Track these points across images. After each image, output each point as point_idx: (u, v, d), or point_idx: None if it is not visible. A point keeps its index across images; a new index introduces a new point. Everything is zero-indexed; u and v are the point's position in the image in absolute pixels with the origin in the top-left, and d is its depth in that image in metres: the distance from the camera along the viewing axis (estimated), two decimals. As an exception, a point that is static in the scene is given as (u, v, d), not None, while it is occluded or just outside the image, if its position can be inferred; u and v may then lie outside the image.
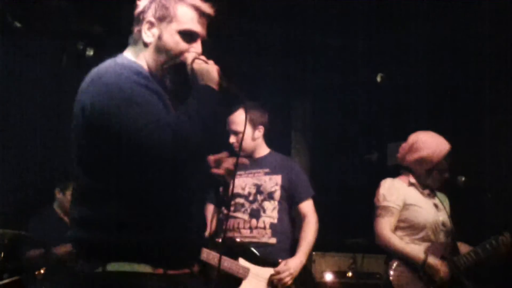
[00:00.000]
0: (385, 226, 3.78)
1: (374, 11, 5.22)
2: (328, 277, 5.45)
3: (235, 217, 3.90)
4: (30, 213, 5.07)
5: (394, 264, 3.75)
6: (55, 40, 5.44)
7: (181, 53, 2.27)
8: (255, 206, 3.92)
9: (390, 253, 3.79)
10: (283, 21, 5.59)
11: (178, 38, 2.26)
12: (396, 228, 3.82)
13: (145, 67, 2.28)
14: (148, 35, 2.27)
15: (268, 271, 3.79)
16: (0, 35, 5.22)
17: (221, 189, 3.54)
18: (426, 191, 3.90)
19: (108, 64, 2.22)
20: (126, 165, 2.10)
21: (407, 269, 3.72)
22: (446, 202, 4.06)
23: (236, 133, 3.90)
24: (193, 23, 2.28)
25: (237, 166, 2.45)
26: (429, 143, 3.84)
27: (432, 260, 3.67)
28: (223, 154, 2.50)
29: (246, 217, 3.90)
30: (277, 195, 3.95)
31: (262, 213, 3.91)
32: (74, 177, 2.23)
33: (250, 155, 3.94)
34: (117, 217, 2.11)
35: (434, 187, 3.93)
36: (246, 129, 3.50)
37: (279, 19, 5.54)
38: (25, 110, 5.42)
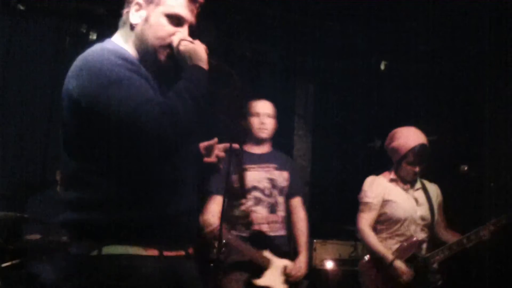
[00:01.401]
0: (364, 222, 4.06)
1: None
2: (329, 264, 5.46)
3: (255, 211, 4.05)
4: (32, 195, 5.07)
5: (365, 259, 4.11)
6: (58, 22, 5.43)
7: (167, 36, 2.25)
8: (272, 200, 4.10)
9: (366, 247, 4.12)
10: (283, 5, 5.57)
11: (165, 21, 2.26)
12: (376, 223, 4.09)
13: (133, 52, 2.27)
14: (135, 16, 2.27)
15: (283, 262, 4.04)
16: (3, 17, 5.21)
17: (234, 181, 3.89)
18: (407, 186, 4.12)
19: (95, 49, 2.20)
20: (116, 146, 2.08)
21: (375, 265, 4.02)
22: (436, 194, 4.21)
23: (269, 116, 4.16)
24: (181, 8, 2.27)
25: (233, 153, 2.48)
26: (401, 135, 4.07)
27: (398, 264, 3.89)
28: (213, 141, 2.50)
29: (265, 211, 4.07)
30: (286, 190, 4.18)
31: (277, 208, 4.12)
32: (63, 161, 2.22)
33: (261, 141, 4.18)
34: (108, 198, 2.10)
35: (409, 179, 4.11)
36: (274, 117, 4.16)
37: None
38: (27, 92, 5.40)
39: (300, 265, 4.08)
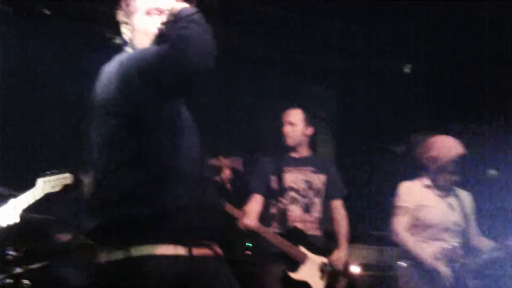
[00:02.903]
0: (401, 225, 4.10)
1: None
2: (355, 269, 5.41)
3: (290, 210, 4.33)
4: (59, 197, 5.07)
5: (403, 264, 4.15)
6: (84, 27, 5.48)
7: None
8: (307, 200, 4.38)
9: (403, 250, 4.14)
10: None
11: (148, 18, 2.35)
12: (410, 227, 4.14)
13: None
14: (126, 32, 2.41)
15: (319, 259, 4.29)
16: (30, 22, 5.23)
17: (273, 181, 4.33)
18: (441, 192, 4.18)
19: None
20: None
21: (416, 270, 4.03)
22: (468, 201, 4.26)
23: (291, 124, 4.47)
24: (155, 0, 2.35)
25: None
26: (442, 145, 4.15)
27: (442, 268, 3.92)
28: (218, 162, 2.54)
29: (300, 211, 4.35)
30: (322, 192, 4.45)
31: (312, 208, 4.38)
32: (93, 163, 2.25)
33: (293, 146, 4.48)
34: (135, 197, 2.10)
35: (446, 187, 4.18)
36: (300, 124, 4.46)
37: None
38: (53, 96, 5.42)
39: (340, 256, 4.32)
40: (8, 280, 4.11)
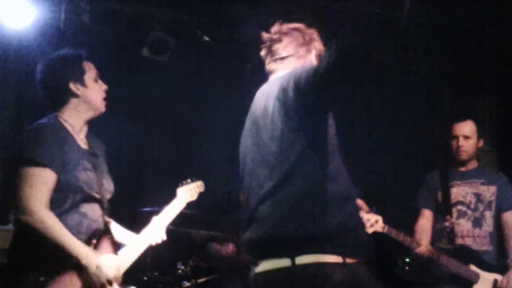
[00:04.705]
0: None
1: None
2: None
3: (459, 224, 4.22)
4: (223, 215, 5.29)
5: None
6: (240, 50, 5.61)
7: None
8: (477, 214, 4.24)
9: None
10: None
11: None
12: None
13: None
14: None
15: (492, 277, 4.08)
16: (191, 50, 5.53)
17: (440, 196, 4.26)
18: None
19: None
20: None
21: None
22: None
23: (466, 137, 4.28)
24: None
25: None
26: None
27: None
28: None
29: (469, 225, 4.22)
30: (494, 205, 4.28)
31: (483, 222, 4.23)
32: (253, 183, 2.38)
33: (467, 160, 4.32)
34: (297, 212, 2.22)
35: None
36: (474, 137, 4.28)
37: None
38: (213, 120, 5.69)
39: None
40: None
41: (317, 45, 2.57)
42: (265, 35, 2.57)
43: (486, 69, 5.92)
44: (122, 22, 5.12)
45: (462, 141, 4.27)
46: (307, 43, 2.54)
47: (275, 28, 2.57)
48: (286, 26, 2.57)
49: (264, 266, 2.28)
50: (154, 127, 5.71)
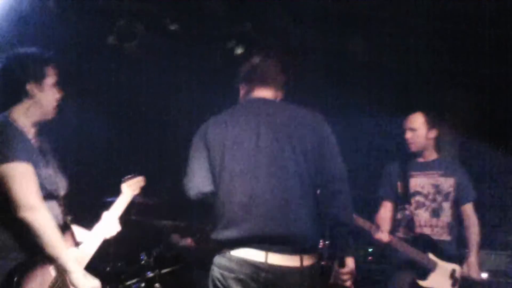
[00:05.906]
0: None
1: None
2: (484, 275, 5.23)
3: (417, 214, 4.29)
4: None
5: None
6: (209, 41, 5.57)
7: None
8: (435, 205, 4.30)
9: None
10: None
11: None
12: None
13: None
14: None
15: (450, 266, 4.18)
16: (157, 38, 5.48)
17: (399, 187, 4.33)
18: None
19: None
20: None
21: None
22: None
23: (412, 129, 4.37)
24: None
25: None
26: None
27: None
28: None
29: (427, 215, 4.29)
30: (452, 196, 4.33)
31: (441, 213, 4.30)
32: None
33: (421, 152, 4.40)
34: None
35: None
36: (422, 128, 4.34)
37: None
38: (179, 113, 5.66)
39: (471, 267, 4.20)
40: (142, 284, 4.40)
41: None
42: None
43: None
44: (89, 8, 5.02)
45: (408, 133, 4.37)
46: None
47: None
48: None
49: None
50: (122, 116, 5.65)
